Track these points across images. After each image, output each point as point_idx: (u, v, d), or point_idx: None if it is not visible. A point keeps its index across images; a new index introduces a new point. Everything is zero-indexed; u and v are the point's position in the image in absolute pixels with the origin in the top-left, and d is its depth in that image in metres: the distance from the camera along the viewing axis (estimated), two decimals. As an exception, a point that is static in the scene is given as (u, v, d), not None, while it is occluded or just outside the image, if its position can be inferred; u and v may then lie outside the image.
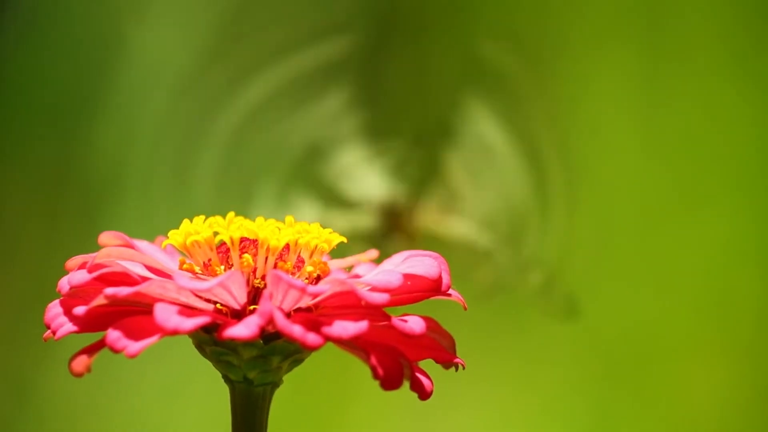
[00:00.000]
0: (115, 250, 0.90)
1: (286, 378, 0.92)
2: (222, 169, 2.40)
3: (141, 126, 2.44)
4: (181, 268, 0.91)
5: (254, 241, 0.89)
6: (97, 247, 0.93)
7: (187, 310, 0.83)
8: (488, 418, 2.28)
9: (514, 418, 2.28)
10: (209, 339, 0.88)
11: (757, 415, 2.26)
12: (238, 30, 2.51)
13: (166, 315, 0.81)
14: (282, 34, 2.48)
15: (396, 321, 0.86)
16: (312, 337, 0.82)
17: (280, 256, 0.90)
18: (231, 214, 0.92)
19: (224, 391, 0.91)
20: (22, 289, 2.34)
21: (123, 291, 0.84)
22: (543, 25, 2.52)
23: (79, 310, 0.86)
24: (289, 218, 0.94)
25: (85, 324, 0.87)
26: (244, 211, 0.99)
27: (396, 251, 0.96)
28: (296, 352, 0.89)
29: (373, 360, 0.83)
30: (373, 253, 0.98)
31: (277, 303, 0.85)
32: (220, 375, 0.91)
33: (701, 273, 2.36)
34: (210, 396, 2.20)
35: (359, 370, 0.86)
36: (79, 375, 0.85)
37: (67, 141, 2.45)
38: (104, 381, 2.24)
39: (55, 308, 0.89)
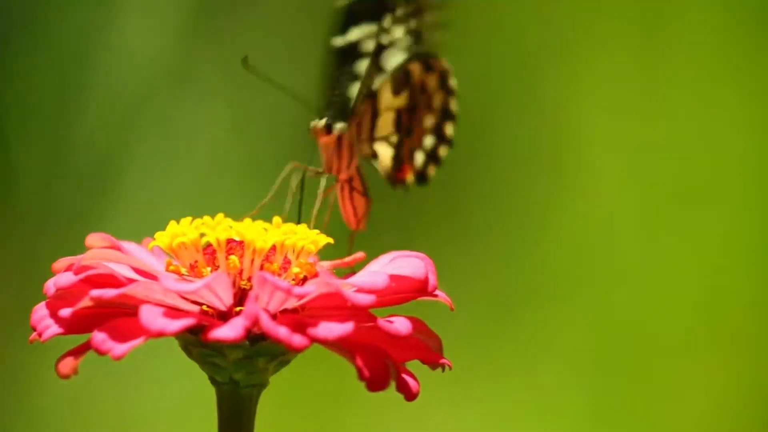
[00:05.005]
0: (101, 252, 0.90)
1: (274, 379, 0.92)
2: (212, 164, 2.40)
3: (128, 121, 2.43)
4: (167, 270, 0.91)
5: (241, 243, 0.89)
6: (84, 247, 0.93)
7: (173, 311, 0.83)
8: (483, 419, 2.28)
9: (509, 419, 2.28)
10: (195, 340, 0.88)
11: (752, 411, 2.26)
12: (227, 14, 2.51)
13: (151, 317, 0.81)
14: (264, 20, 2.48)
15: (382, 322, 0.86)
16: (298, 339, 0.81)
17: (267, 258, 0.90)
18: (220, 215, 0.92)
19: (211, 392, 0.91)
20: (13, 289, 2.33)
21: (108, 293, 0.84)
22: (540, 25, 2.52)
23: (65, 312, 0.86)
24: (276, 219, 0.94)
25: (71, 326, 0.86)
26: (232, 201, 0.99)
27: None
28: (282, 354, 0.89)
29: (359, 361, 0.83)
30: (360, 255, 0.98)
31: (263, 304, 0.85)
32: (206, 376, 0.91)
33: (698, 270, 2.36)
34: (196, 397, 2.19)
35: (349, 371, 0.86)
36: (66, 377, 0.85)
37: (53, 137, 2.44)
38: (91, 382, 2.23)
39: (41, 310, 0.88)
